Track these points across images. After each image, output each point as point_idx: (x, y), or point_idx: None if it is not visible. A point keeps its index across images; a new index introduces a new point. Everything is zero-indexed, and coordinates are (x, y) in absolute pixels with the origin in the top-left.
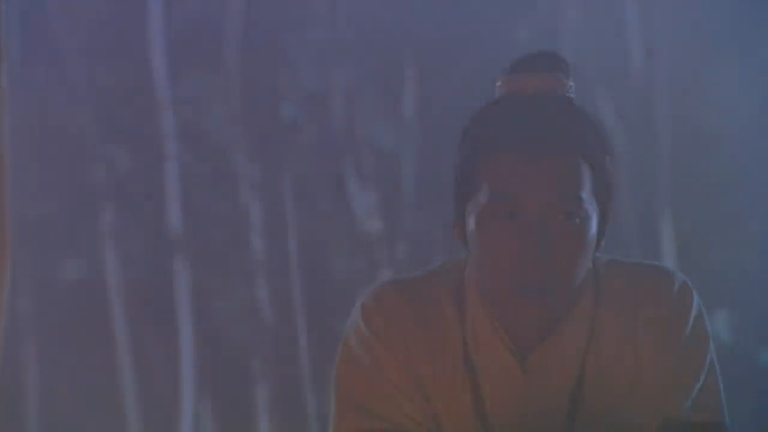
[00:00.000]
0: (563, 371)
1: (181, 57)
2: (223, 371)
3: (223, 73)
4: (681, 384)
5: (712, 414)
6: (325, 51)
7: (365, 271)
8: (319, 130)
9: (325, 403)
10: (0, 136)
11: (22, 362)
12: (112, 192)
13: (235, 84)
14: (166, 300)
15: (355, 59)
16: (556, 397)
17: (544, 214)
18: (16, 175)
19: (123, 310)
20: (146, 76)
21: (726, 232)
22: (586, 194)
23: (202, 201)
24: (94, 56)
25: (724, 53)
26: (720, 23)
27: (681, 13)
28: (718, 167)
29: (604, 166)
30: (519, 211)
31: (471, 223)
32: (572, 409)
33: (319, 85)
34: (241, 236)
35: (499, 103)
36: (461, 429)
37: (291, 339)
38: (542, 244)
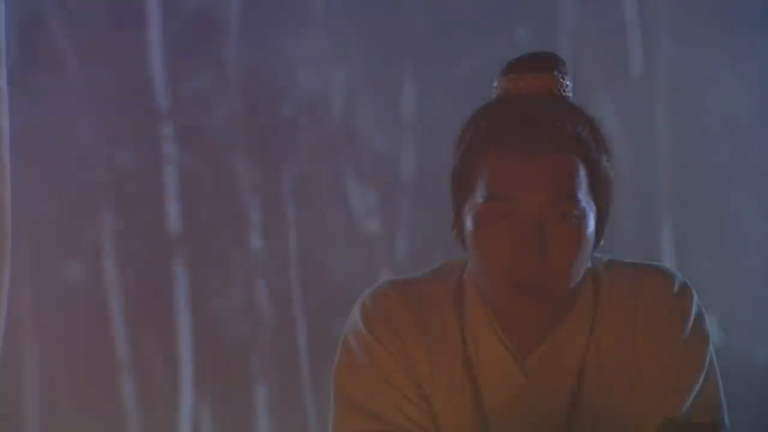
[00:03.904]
0: (563, 371)
1: (181, 57)
2: (222, 371)
3: (223, 73)
4: (680, 384)
5: (712, 414)
6: (325, 51)
7: (365, 271)
8: (319, 130)
9: (325, 403)
10: (0, 137)
11: (22, 362)
12: (112, 193)
13: (235, 84)
14: (165, 300)
15: (354, 59)
16: (556, 398)
17: (540, 213)
18: (16, 176)
19: (123, 311)
20: (146, 77)
21: (726, 232)
22: (583, 193)
23: (202, 201)
24: (94, 57)
25: (725, 53)
26: (720, 23)
27: (681, 13)
28: (718, 167)
29: (601, 165)
30: (515, 210)
31: (468, 223)
32: (572, 409)
33: (318, 85)
34: (241, 236)
35: (495, 103)
36: (461, 429)
37: (291, 339)
38: (538, 244)
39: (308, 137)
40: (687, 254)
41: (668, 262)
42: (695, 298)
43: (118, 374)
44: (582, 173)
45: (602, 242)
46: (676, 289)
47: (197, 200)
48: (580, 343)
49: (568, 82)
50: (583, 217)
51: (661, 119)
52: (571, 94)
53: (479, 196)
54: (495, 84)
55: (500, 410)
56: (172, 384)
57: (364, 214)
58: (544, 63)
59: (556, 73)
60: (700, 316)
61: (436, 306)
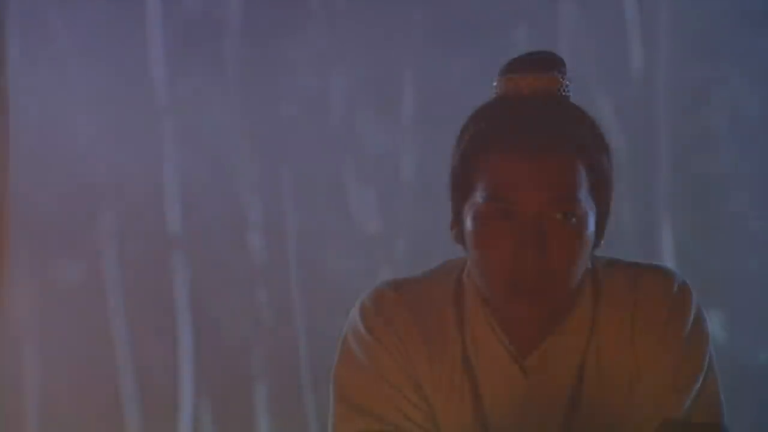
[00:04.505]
0: (562, 371)
1: (181, 57)
2: (222, 371)
3: (223, 73)
4: (680, 384)
5: (711, 414)
6: (325, 51)
7: (365, 271)
8: (318, 130)
9: (325, 403)
10: (0, 136)
11: (22, 362)
12: (112, 193)
13: (235, 84)
14: (166, 300)
15: (354, 59)
16: (556, 398)
17: (540, 213)
18: (16, 176)
19: (123, 310)
20: (146, 76)
21: (726, 232)
22: (583, 193)
23: (202, 201)
24: (94, 56)
25: (725, 53)
26: (720, 23)
27: (681, 12)
28: (718, 167)
29: (601, 164)
30: (515, 210)
31: (468, 224)
32: (571, 409)
33: (318, 85)
34: (241, 236)
35: (495, 103)
36: (460, 429)
37: (290, 339)
38: (538, 244)
39: (308, 137)
40: (687, 254)
41: (668, 262)
42: (695, 298)
43: (118, 374)
44: (582, 173)
45: (602, 242)
46: (675, 288)
47: (197, 200)
48: (580, 343)
49: (567, 83)
50: (583, 218)
51: (661, 119)
52: (571, 95)
53: (479, 196)
54: (495, 84)
55: (500, 410)
56: (172, 384)
57: (364, 214)
58: (544, 63)
59: (556, 73)
60: (699, 316)
61: (435, 306)
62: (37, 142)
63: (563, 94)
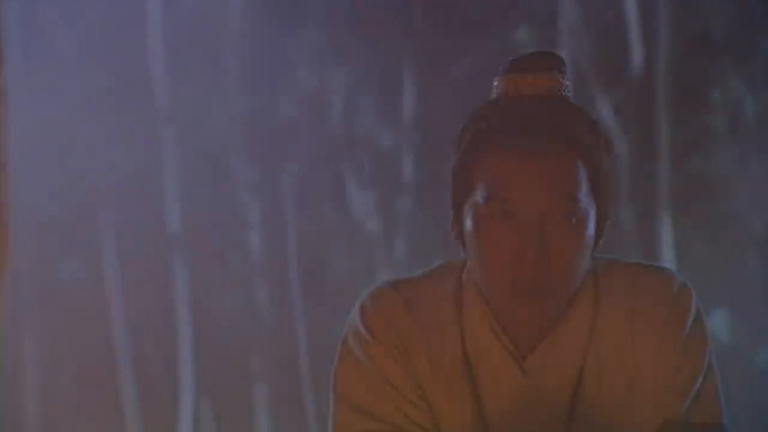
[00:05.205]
0: (562, 371)
1: (181, 57)
2: (222, 371)
3: (223, 73)
4: (679, 385)
5: (711, 414)
6: (325, 51)
7: (365, 271)
8: (318, 130)
9: (325, 403)
10: (0, 136)
11: (22, 362)
12: (112, 192)
13: (234, 84)
14: (166, 300)
15: (354, 59)
16: (556, 398)
17: (540, 214)
18: (16, 176)
19: (123, 310)
20: (146, 76)
21: (726, 232)
22: (583, 193)
23: (202, 201)
24: (94, 57)
25: (725, 53)
26: (720, 23)
27: (681, 12)
28: (718, 167)
29: (601, 164)
30: (515, 210)
31: (468, 224)
32: (571, 409)
33: (318, 85)
34: (241, 236)
35: (495, 102)
36: (461, 429)
37: (291, 339)
38: (539, 244)
39: (308, 137)
40: (687, 254)
41: (668, 263)
42: (695, 298)
43: (118, 374)
44: (582, 173)
45: (601, 242)
46: (675, 289)
47: (197, 200)
48: (579, 343)
49: (567, 82)
50: (583, 218)
51: (661, 119)
52: (570, 94)
53: (479, 196)
54: (495, 84)
55: (500, 410)
56: (172, 384)
57: (364, 214)
58: (545, 63)
59: (556, 73)
60: (699, 317)
61: (435, 306)
62: (37, 142)
63: (563, 94)
